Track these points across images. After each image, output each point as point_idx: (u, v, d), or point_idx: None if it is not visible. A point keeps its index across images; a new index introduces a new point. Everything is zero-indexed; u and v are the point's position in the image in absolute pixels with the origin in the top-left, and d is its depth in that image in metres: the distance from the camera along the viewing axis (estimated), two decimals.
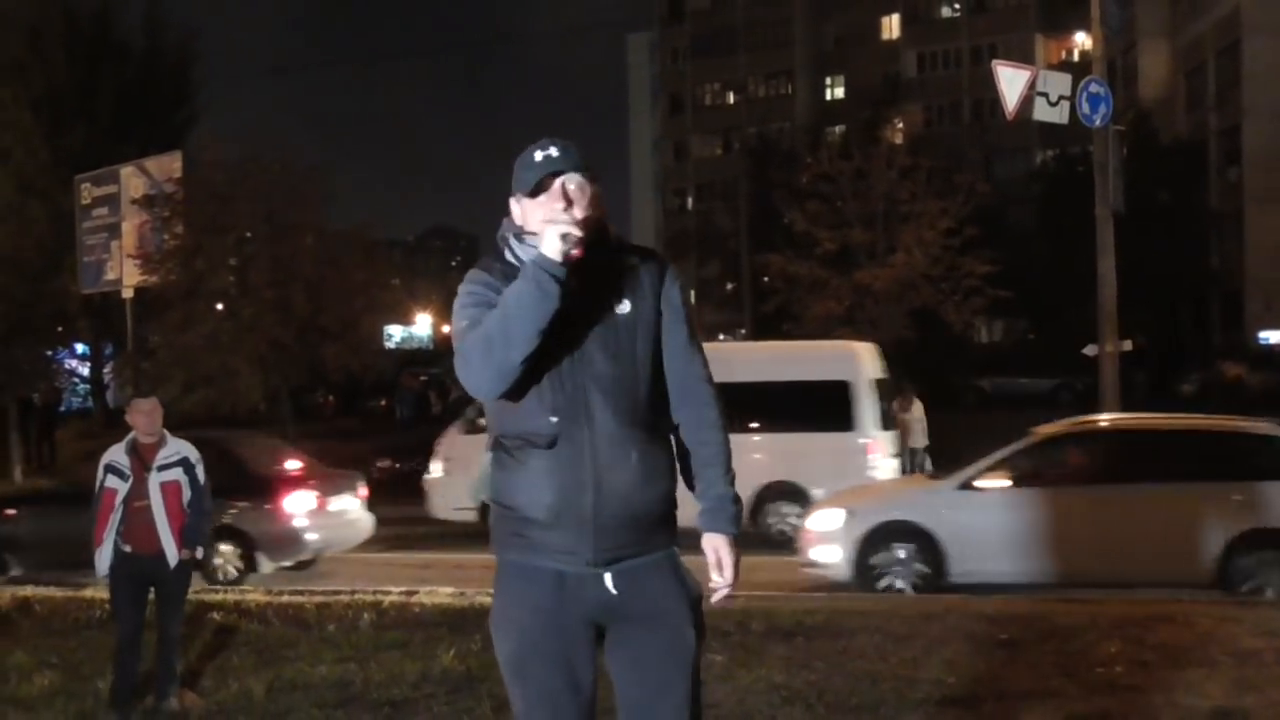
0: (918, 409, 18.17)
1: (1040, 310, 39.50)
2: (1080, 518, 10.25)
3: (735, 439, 3.21)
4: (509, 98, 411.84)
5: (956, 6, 59.25)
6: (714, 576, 3.11)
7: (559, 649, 2.96)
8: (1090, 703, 6.02)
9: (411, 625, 8.49)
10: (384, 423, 33.87)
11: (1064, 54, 53.93)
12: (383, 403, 37.86)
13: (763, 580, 9.46)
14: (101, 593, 7.82)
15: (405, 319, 57.89)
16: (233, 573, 12.02)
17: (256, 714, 6.37)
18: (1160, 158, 38.42)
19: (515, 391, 2.89)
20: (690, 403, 3.11)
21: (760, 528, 14.00)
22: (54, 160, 29.49)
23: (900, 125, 51.89)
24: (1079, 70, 19.23)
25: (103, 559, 6.53)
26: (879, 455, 14.48)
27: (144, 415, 6.63)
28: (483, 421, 15.81)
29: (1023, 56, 40.01)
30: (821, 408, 14.49)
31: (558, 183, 2.96)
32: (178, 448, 6.68)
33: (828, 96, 63.68)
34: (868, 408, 14.57)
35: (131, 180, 24.55)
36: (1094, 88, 15.56)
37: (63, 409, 32.02)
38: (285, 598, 9.92)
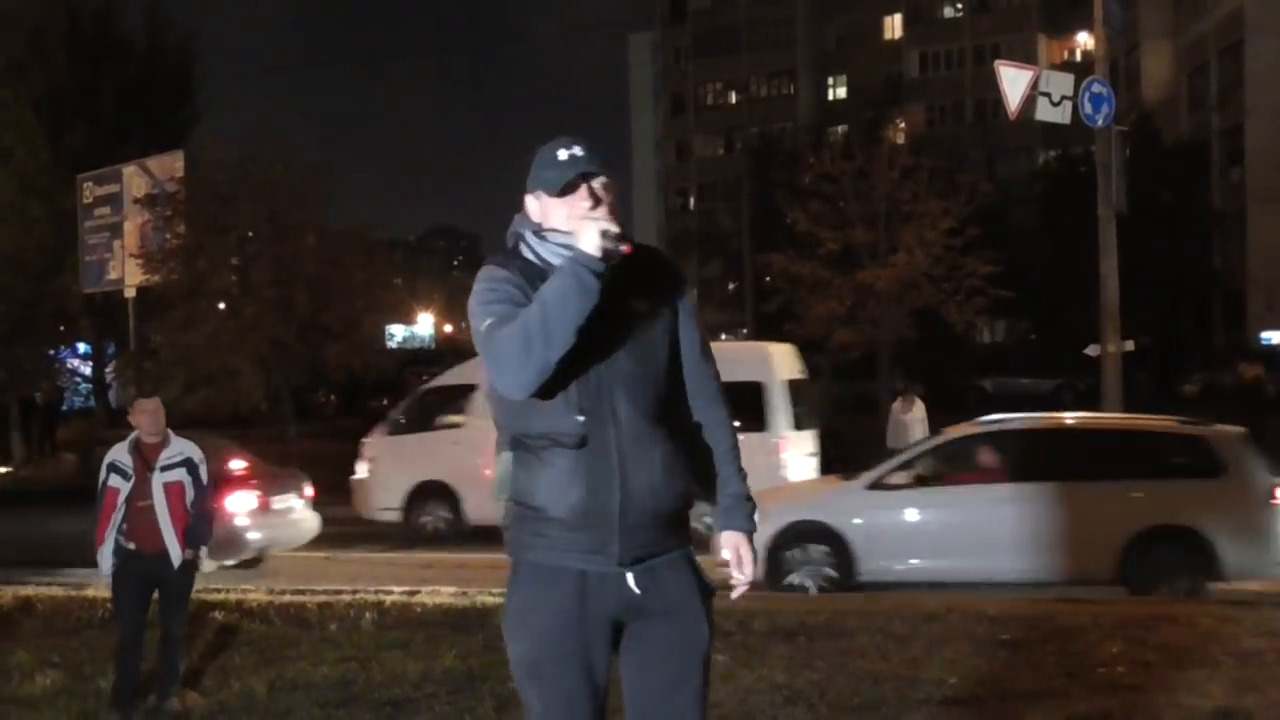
0: (919, 409, 18.13)
1: (1042, 310, 39.51)
2: (985, 516, 10.41)
3: None
4: (511, 97, 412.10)
5: (959, 6, 59.26)
6: (734, 574, 3.14)
7: (578, 649, 2.96)
8: (1092, 703, 6.02)
9: (413, 625, 8.49)
10: None
11: (1066, 54, 53.92)
12: (384, 402, 37.83)
13: None
14: (103, 592, 7.82)
15: (407, 318, 58.00)
16: None
17: (258, 713, 6.37)
18: (1162, 158, 38.45)
19: (547, 390, 2.86)
20: (704, 402, 3.16)
21: None
22: (56, 160, 29.46)
23: (902, 125, 51.93)
24: (1081, 70, 19.23)
25: (104, 558, 6.53)
26: (791, 455, 14.49)
27: (147, 415, 6.63)
28: (404, 422, 15.93)
29: (1025, 57, 39.98)
30: (734, 408, 14.42)
31: (586, 184, 2.97)
32: (181, 448, 6.68)
33: (830, 96, 63.70)
34: (780, 408, 14.56)
35: (133, 180, 24.55)
36: (1096, 88, 15.56)
37: (65, 408, 32.03)
38: (287, 597, 9.92)
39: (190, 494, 6.62)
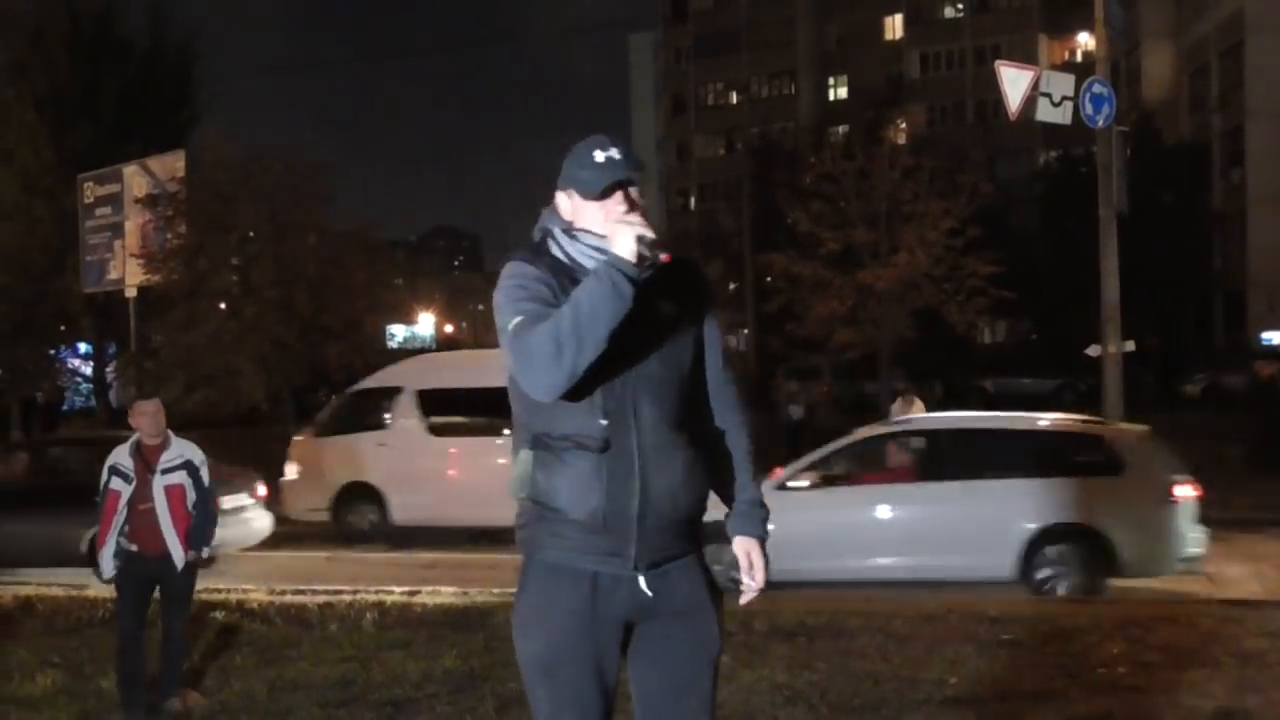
0: (919, 409, 18.17)
1: (1043, 311, 39.51)
2: (888, 515, 10.51)
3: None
4: (512, 97, 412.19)
5: (960, 7, 59.26)
6: (745, 579, 3.14)
7: (590, 650, 2.95)
8: (1092, 703, 6.02)
9: (414, 625, 8.50)
10: None
11: (1067, 55, 53.92)
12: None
13: None
14: (104, 592, 7.83)
15: (408, 318, 58.06)
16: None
17: (259, 713, 6.37)
18: (1163, 158, 38.45)
19: (574, 394, 2.83)
20: (722, 406, 3.15)
21: None
22: (58, 160, 29.46)
23: (903, 125, 51.91)
24: (1082, 71, 19.20)
25: (106, 561, 6.53)
26: None
27: (147, 417, 6.63)
28: (332, 424, 15.88)
29: (1026, 57, 39.99)
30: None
31: (623, 189, 2.94)
32: (181, 450, 6.68)
33: (830, 97, 63.72)
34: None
35: (135, 179, 24.52)
36: (1097, 88, 15.54)
37: (65, 408, 32.05)
38: (288, 597, 9.93)
39: (191, 496, 6.62)
